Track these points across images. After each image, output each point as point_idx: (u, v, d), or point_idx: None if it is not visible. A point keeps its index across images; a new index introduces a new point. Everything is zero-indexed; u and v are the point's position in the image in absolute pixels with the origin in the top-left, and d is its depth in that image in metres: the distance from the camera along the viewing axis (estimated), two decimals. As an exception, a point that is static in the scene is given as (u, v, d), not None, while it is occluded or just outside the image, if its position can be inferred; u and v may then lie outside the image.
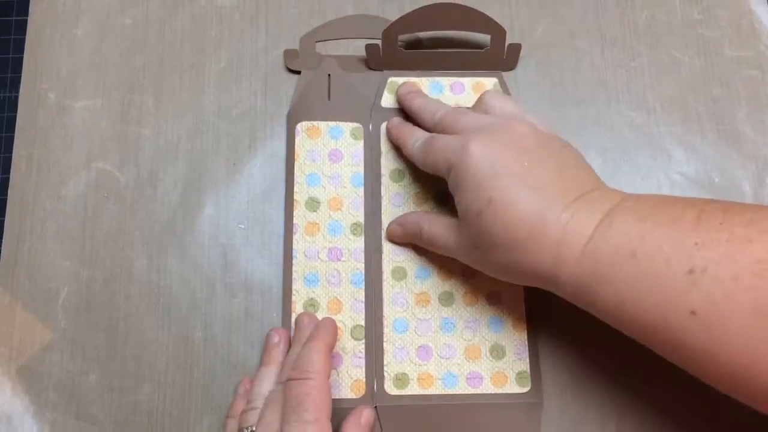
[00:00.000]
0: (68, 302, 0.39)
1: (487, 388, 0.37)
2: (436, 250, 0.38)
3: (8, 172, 0.42)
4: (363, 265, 0.39)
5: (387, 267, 0.39)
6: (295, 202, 0.40)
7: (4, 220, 0.40)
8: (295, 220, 0.40)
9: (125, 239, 0.40)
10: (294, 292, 0.39)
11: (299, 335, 0.37)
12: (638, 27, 0.44)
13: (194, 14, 0.44)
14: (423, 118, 0.39)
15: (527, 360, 0.38)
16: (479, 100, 0.38)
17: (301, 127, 0.41)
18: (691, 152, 0.42)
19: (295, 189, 0.40)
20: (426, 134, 0.38)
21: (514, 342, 0.38)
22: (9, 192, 0.41)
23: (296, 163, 0.41)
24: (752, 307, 0.26)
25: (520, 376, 0.37)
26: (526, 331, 0.38)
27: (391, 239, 0.39)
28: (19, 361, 0.38)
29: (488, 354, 0.38)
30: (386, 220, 0.40)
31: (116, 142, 0.42)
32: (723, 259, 0.27)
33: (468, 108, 0.39)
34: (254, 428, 0.33)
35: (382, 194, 0.40)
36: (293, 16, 0.44)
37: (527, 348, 0.38)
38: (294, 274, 0.39)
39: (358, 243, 0.39)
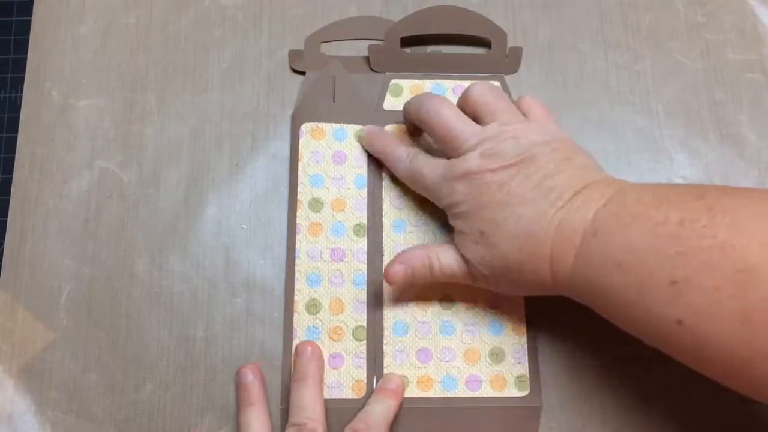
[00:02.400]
0: (70, 301, 0.39)
1: (486, 391, 0.37)
2: (449, 280, 0.37)
3: (8, 173, 0.42)
4: (365, 266, 0.39)
5: None
6: (298, 203, 0.40)
7: (5, 221, 0.40)
8: (298, 221, 0.40)
9: (127, 238, 0.40)
10: (296, 291, 0.39)
11: (301, 372, 0.37)
12: (641, 30, 0.44)
13: (198, 14, 0.44)
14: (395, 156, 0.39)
15: (527, 364, 0.38)
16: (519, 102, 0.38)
17: (306, 128, 0.41)
18: (693, 156, 0.42)
19: (299, 189, 0.40)
20: (413, 151, 0.39)
21: (514, 346, 0.38)
22: (12, 190, 0.41)
23: (300, 164, 0.41)
24: (738, 315, 0.26)
25: (519, 380, 0.37)
26: (525, 335, 0.38)
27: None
28: (20, 359, 0.38)
29: (487, 357, 0.38)
30: (387, 222, 0.40)
31: (119, 141, 0.42)
32: (705, 267, 0.27)
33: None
34: None
35: (383, 197, 0.40)
36: (297, 18, 0.44)
37: (527, 352, 0.38)
38: (297, 274, 0.39)
39: (361, 244, 0.39)
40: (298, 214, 0.40)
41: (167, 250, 0.40)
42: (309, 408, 0.35)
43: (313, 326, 0.38)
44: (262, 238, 0.40)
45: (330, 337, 0.38)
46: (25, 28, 0.44)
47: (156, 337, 0.39)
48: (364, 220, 0.40)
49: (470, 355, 0.38)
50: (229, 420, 0.37)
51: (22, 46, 0.44)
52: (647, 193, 0.31)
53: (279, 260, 0.40)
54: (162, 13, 0.44)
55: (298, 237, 0.39)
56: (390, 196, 0.40)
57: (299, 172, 0.40)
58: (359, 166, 0.41)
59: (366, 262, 0.39)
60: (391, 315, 0.38)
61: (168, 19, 0.44)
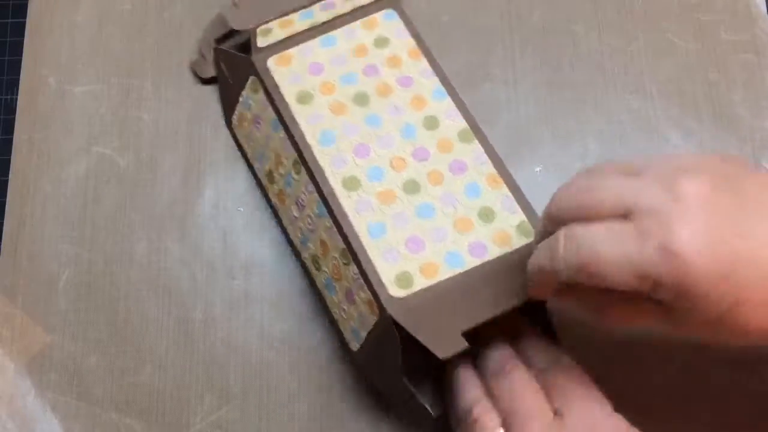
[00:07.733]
0: (69, 285, 0.39)
1: (494, 252, 0.35)
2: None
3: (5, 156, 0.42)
4: (316, 195, 0.36)
5: (335, 182, 0.36)
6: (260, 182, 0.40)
7: (4, 201, 0.41)
8: (272, 200, 0.40)
9: (125, 222, 0.40)
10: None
11: None
12: (635, 11, 0.44)
13: (193, 0, 0.44)
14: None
15: (519, 210, 0.36)
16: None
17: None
18: (687, 135, 0.42)
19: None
20: None
21: (499, 198, 0.36)
22: (10, 176, 0.41)
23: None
24: None
25: (520, 227, 0.35)
26: (504, 185, 0.36)
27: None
28: (20, 343, 0.39)
29: (479, 220, 0.35)
30: (322, 160, 0.36)
31: (116, 126, 0.42)
32: None
33: None
34: None
35: (298, 122, 0.37)
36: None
37: (513, 200, 0.36)
38: (294, 240, 0.39)
39: (303, 178, 0.37)
40: (268, 194, 0.40)
41: (165, 233, 0.40)
42: None
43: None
44: (260, 220, 0.40)
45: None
46: (21, 16, 0.44)
47: (155, 319, 0.39)
48: (295, 156, 0.37)
49: (461, 225, 0.35)
50: (229, 401, 0.37)
51: (19, 35, 0.44)
52: None
53: (276, 242, 0.40)
54: (157, 0, 0.44)
55: (280, 213, 0.40)
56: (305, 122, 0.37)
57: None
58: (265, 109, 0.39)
59: (315, 191, 0.36)
60: (361, 222, 0.35)
61: (163, 5, 0.44)
